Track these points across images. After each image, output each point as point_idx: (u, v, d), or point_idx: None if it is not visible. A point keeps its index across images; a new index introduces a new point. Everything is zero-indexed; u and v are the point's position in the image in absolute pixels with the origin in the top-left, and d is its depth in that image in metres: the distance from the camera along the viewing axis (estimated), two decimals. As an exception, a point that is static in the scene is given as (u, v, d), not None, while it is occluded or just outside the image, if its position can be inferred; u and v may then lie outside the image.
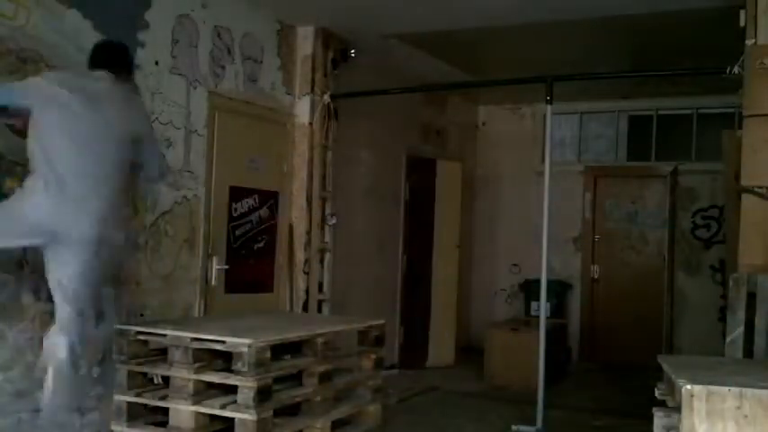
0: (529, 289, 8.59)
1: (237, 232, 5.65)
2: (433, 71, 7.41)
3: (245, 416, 3.71)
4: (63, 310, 3.52)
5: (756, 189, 4.17)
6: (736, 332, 3.82)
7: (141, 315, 4.71)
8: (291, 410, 4.15)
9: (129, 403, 4.00)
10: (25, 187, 3.52)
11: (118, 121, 3.57)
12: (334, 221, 6.36)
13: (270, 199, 5.96)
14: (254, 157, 5.80)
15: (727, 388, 2.52)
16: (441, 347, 8.07)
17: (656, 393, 3.01)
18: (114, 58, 3.75)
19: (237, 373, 3.76)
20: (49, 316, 4.11)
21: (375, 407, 4.87)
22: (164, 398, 3.92)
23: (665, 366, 3.03)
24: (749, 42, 4.37)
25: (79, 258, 3.46)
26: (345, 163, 6.66)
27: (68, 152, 3.44)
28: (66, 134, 3.45)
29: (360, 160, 7.08)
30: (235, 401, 3.78)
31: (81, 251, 3.45)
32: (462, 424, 5.55)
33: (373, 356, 4.90)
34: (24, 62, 3.97)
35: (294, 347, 4.27)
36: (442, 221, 8.20)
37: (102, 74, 3.67)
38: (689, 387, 2.53)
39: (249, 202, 5.75)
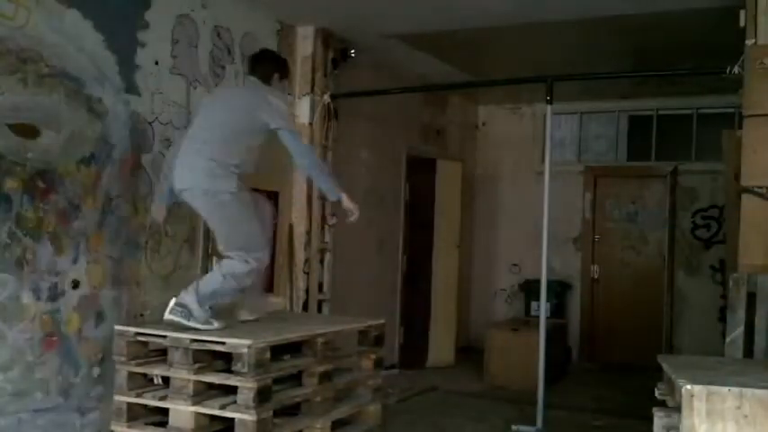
0: (529, 289, 8.59)
1: (237, 232, 5.63)
2: (433, 71, 7.41)
3: (245, 416, 3.71)
4: None
5: (756, 189, 4.17)
6: (736, 332, 3.82)
7: (141, 315, 4.71)
8: (291, 410, 4.15)
9: (129, 404, 3.98)
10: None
11: (221, 109, 4.22)
12: (334, 221, 6.35)
13: (270, 199, 5.94)
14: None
15: (727, 388, 2.52)
16: (441, 347, 8.07)
17: (656, 393, 3.02)
18: (250, 67, 4.45)
19: (237, 373, 3.75)
20: (50, 316, 4.13)
21: (375, 407, 4.86)
22: (164, 398, 3.91)
23: (665, 366, 3.03)
24: (749, 42, 4.37)
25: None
26: (345, 163, 6.65)
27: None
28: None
29: (360, 160, 7.07)
30: (235, 402, 3.77)
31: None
32: (462, 424, 5.55)
33: (373, 356, 4.89)
34: (24, 62, 3.97)
35: (294, 347, 4.26)
36: (441, 221, 8.19)
37: (248, 78, 4.47)
38: (689, 387, 2.53)
39: (249, 202, 5.73)
